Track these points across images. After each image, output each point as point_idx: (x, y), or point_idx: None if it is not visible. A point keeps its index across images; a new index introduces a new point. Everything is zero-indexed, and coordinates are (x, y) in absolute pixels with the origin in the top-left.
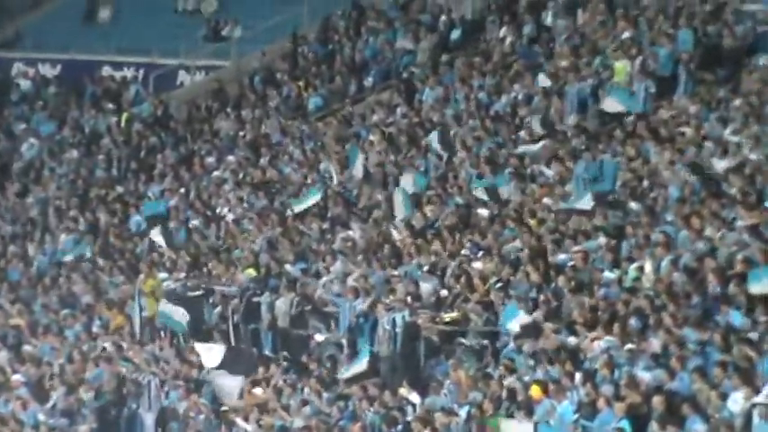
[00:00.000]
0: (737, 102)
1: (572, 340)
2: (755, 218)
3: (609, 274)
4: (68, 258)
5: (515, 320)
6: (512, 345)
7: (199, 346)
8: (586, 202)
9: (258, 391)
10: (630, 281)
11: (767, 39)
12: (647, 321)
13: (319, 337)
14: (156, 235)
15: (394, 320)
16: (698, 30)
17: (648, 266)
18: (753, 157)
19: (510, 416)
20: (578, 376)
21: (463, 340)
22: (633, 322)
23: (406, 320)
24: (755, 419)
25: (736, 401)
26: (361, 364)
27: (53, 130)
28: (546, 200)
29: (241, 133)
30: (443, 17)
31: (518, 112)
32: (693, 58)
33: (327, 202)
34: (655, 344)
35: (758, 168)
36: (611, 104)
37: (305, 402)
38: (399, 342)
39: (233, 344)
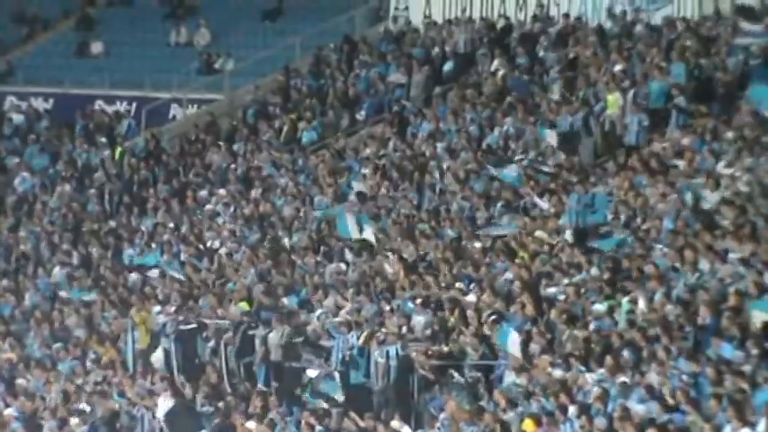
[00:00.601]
0: (730, 134)
1: (565, 373)
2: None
3: (600, 307)
4: (65, 295)
5: (511, 342)
6: (508, 376)
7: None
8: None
9: (251, 425)
10: (624, 314)
11: (759, 72)
12: (640, 354)
13: (312, 373)
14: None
15: (387, 353)
16: (690, 63)
17: (642, 300)
18: (745, 189)
19: None
20: (572, 409)
21: (455, 374)
22: (626, 354)
23: (400, 353)
24: None
25: None
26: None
27: (46, 164)
28: (539, 233)
29: (233, 166)
30: (436, 50)
31: (510, 145)
32: (686, 90)
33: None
34: (651, 377)
35: (750, 200)
36: None
37: None
38: (393, 375)
39: (225, 378)
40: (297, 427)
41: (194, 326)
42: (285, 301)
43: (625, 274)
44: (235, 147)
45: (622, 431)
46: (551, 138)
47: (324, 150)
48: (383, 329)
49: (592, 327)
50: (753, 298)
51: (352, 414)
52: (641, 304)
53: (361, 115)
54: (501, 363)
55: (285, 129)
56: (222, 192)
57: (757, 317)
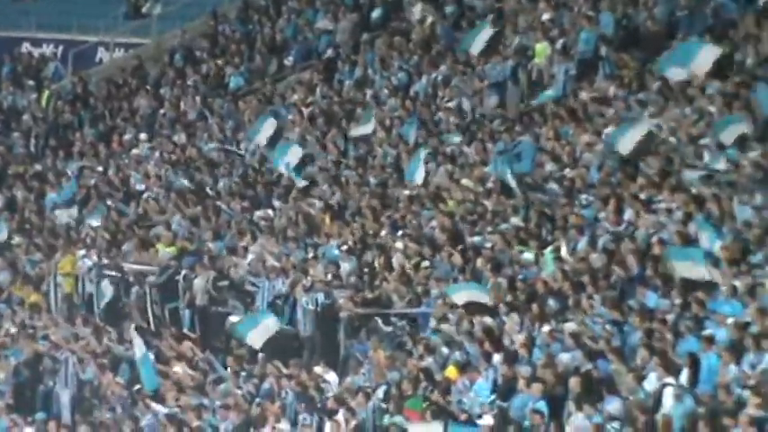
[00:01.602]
0: (655, 86)
1: (490, 320)
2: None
3: (527, 256)
4: None
5: (460, 294)
6: (432, 324)
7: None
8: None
9: (178, 369)
10: (550, 262)
11: (687, 23)
12: (565, 302)
13: (234, 318)
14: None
15: (315, 300)
16: (618, 12)
17: (565, 248)
18: (672, 139)
19: (427, 397)
20: (497, 357)
21: (380, 321)
22: (552, 303)
23: (325, 300)
24: (667, 400)
25: (652, 382)
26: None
27: None
28: (465, 181)
29: (161, 111)
30: None
31: (438, 93)
32: (614, 40)
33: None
34: (576, 325)
35: (676, 150)
36: None
37: (221, 380)
38: (318, 322)
39: (151, 323)
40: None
41: (118, 274)
42: (211, 246)
43: (551, 223)
44: (161, 91)
45: (546, 379)
46: None
47: (251, 96)
48: (309, 276)
49: (518, 275)
50: (676, 248)
51: (276, 361)
52: (565, 253)
53: (288, 61)
54: (426, 310)
55: (212, 74)
56: (148, 136)
57: (679, 267)
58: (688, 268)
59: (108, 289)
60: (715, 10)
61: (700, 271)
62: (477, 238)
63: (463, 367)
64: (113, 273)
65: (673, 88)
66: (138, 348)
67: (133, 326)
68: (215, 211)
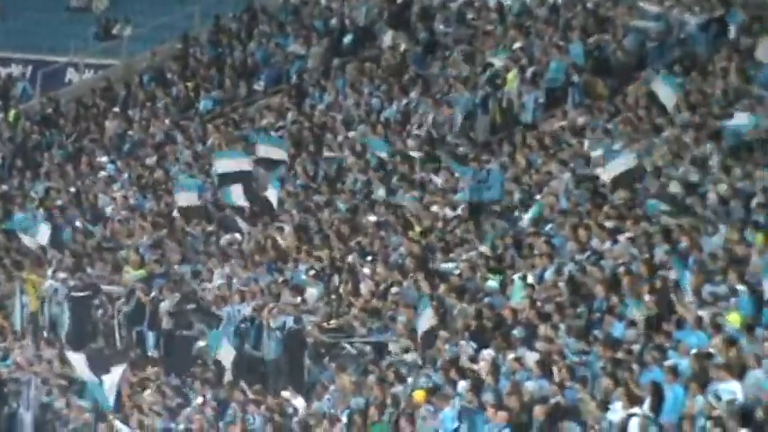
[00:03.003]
0: (624, 115)
1: (456, 349)
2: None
3: (493, 283)
4: None
5: (425, 318)
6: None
7: (71, 356)
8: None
9: (146, 393)
10: (517, 290)
11: (656, 54)
12: (532, 331)
13: (202, 342)
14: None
15: (283, 325)
16: (588, 43)
17: (532, 277)
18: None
19: (394, 423)
20: (462, 384)
21: (347, 346)
22: (517, 332)
23: (292, 325)
24: (633, 430)
25: (616, 411)
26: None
27: None
28: (434, 208)
29: (129, 132)
30: (335, 22)
31: (409, 119)
32: (584, 70)
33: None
34: (542, 354)
35: (643, 180)
36: None
37: (186, 404)
38: (285, 346)
39: (118, 345)
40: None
41: (88, 293)
42: (177, 268)
43: (518, 252)
44: (131, 113)
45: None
46: None
47: (220, 119)
48: (276, 301)
49: (483, 302)
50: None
51: (242, 384)
52: (532, 282)
53: (259, 85)
54: (390, 337)
55: (182, 96)
56: (114, 158)
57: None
58: None
59: (74, 310)
60: (683, 42)
61: None
62: (444, 265)
63: (431, 392)
64: (80, 294)
65: (642, 118)
66: (83, 372)
67: (71, 352)
68: (182, 234)
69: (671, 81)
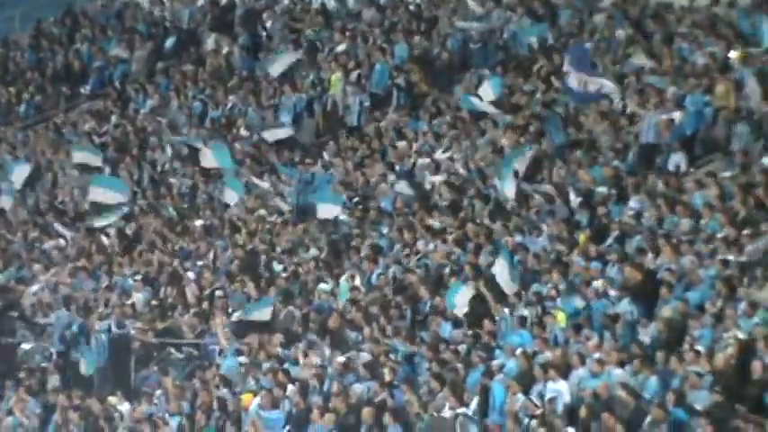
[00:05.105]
0: (448, 117)
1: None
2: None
3: (323, 286)
4: None
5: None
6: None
7: None
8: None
9: None
10: (344, 293)
11: (480, 56)
12: (359, 333)
13: (26, 346)
14: None
15: (108, 329)
16: (412, 45)
17: (358, 279)
18: (462, 171)
19: (220, 428)
20: (291, 387)
21: (173, 350)
22: (345, 334)
23: (118, 330)
24: (458, 430)
25: (444, 413)
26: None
27: None
28: (261, 211)
29: None
30: (158, 25)
31: (235, 121)
32: (408, 72)
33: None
34: (365, 356)
35: (468, 182)
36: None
37: (9, 412)
38: (111, 352)
39: None
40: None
41: None
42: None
43: (344, 254)
44: None
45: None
46: None
47: (42, 125)
48: (102, 306)
49: (312, 305)
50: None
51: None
52: (359, 283)
53: (85, 89)
54: (214, 341)
55: (3, 102)
56: None
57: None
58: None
59: None
60: (507, 44)
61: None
62: (273, 268)
63: (259, 396)
64: None
65: (465, 120)
66: None
67: None
68: (4, 240)
69: (495, 81)
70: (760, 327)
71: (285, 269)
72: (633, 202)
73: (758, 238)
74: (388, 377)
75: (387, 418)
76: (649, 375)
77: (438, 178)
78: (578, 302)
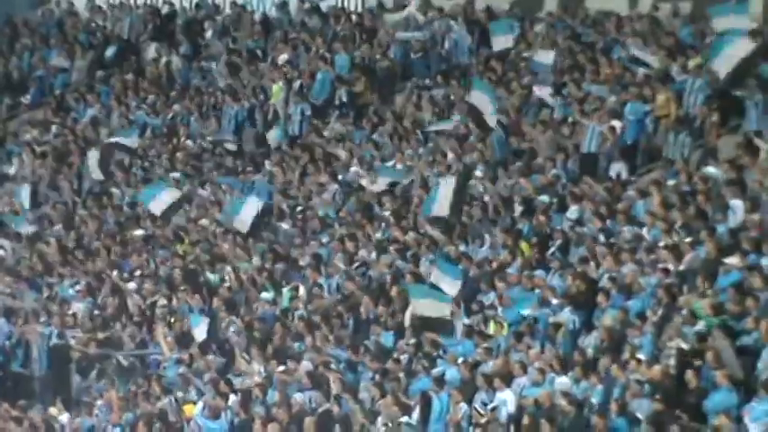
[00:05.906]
0: (389, 125)
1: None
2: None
3: (266, 295)
4: None
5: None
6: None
7: None
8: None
9: None
10: (286, 302)
11: (421, 65)
12: (302, 343)
13: None
14: None
15: (48, 339)
16: (354, 54)
17: (302, 288)
18: (404, 180)
19: None
20: (232, 397)
21: (114, 361)
22: (288, 343)
23: (58, 341)
24: None
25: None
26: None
27: None
28: (203, 221)
29: None
30: (99, 35)
31: (177, 131)
32: (350, 81)
33: None
34: (307, 365)
35: (410, 191)
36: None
37: None
38: (52, 362)
39: None
40: None
41: None
42: None
43: (286, 263)
44: None
45: (281, 419)
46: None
47: None
48: (42, 316)
49: (254, 315)
50: (417, 286)
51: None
52: (302, 293)
53: (26, 99)
54: (155, 351)
55: None
56: None
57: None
58: (428, 307)
59: None
60: (447, 53)
61: (440, 309)
62: (213, 278)
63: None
64: None
65: (407, 128)
66: None
67: None
68: None
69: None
70: (704, 333)
71: (224, 279)
72: (574, 211)
73: (698, 246)
74: (335, 388)
75: (330, 428)
76: (592, 384)
77: (380, 187)
78: (520, 311)
